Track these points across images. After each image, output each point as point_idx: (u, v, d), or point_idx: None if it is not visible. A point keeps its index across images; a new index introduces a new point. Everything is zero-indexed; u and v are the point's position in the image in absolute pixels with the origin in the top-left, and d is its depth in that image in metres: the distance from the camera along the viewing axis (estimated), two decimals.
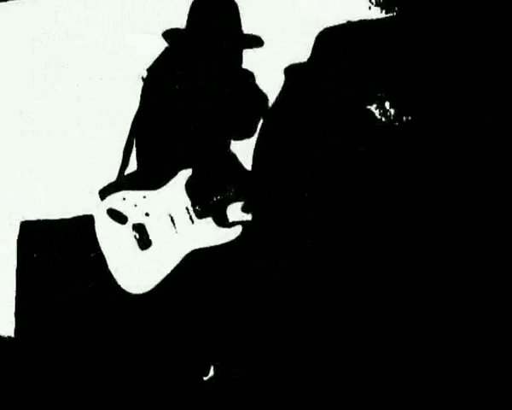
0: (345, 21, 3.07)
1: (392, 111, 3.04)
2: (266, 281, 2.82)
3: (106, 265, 2.80)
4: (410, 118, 3.00)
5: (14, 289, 3.13)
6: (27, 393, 2.94)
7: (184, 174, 2.82)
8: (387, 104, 3.02)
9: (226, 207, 2.78)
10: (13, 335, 3.06)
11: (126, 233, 2.75)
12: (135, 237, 2.75)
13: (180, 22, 3.36)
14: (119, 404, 2.85)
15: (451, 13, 3.05)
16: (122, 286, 2.71)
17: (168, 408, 2.81)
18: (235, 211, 2.81)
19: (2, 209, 3.43)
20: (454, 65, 3.01)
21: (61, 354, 2.93)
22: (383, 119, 3.02)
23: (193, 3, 3.18)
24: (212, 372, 2.79)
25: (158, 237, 2.74)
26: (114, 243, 2.74)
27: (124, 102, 3.35)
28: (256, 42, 3.11)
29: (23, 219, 3.19)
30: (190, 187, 2.76)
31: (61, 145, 3.45)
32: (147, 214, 2.78)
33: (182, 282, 2.85)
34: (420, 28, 3.07)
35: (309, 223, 2.85)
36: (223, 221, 2.77)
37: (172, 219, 2.77)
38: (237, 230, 2.74)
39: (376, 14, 3.27)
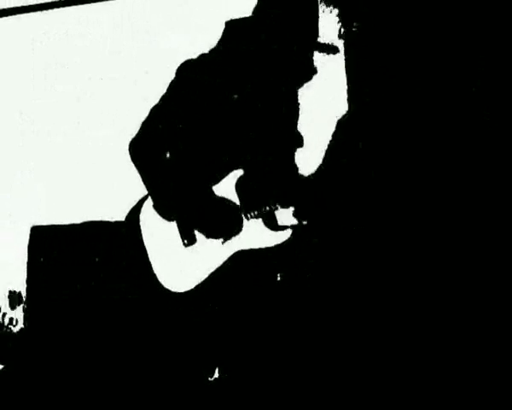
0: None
1: (391, 110, 3.05)
2: (272, 283, 2.84)
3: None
4: (408, 119, 3.01)
5: (20, 290, 3.15)
6: (39, 389, 2.97)
7: (236, 174, 2.61)
8: (386, 104, 3.03)
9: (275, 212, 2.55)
10: (23, 335, 3.09)
11: (171, 229, 2.54)
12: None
13: (178, 22, 3.37)
14: (124, 404, 2.87)
15: (449, 13, 3.07)
16: (163, 284, 2.54)
17: (172, 408, 2.83)
18: (286, 216, 2.61)
19: (2, 210, 3.43)
20: (452, 65, 3.02)
21: (70, 355, 2.96)
22: (382, 117, 3.03)
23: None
24: (216, 374, 2.81)
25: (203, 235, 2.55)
26: (158, 238, 2.53)
27: (124, 102, 3.36)
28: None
29: (20, 220, 3.21)
30: (241, 188, 2.56)
31: (61, 145, 3.45)
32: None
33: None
34: (418, 28, 3.08)
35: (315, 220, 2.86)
36: (272, 224, 2.57)
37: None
38: (287, 233, 2.57)
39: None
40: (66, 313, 2.99)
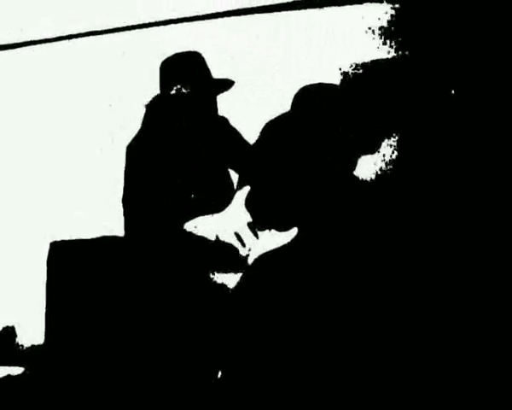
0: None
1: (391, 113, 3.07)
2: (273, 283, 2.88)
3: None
4: (409, 120, 3.02)
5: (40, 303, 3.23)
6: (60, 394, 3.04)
7: (243, 193, 2.90)
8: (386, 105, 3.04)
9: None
10: (42, 342, 3.16)
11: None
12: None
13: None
14: (129, 405, 2.93)
15: (450, 15, 3.08)
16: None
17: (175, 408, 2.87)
18: None
19: (22, 226, 3.51)
20: (452, 67, 3.02)
21: (87, 364, 3.03)
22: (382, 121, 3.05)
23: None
24: (216, 373, 2.85)
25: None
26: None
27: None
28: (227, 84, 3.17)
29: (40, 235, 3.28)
30: (250, 204, 2.73)
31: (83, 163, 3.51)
32: (217, 237, 2.94)
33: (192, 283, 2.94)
34: (420, 31, 3.10)
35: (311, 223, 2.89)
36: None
37: (240, 237, 2.91)
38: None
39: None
40: (84, 326, 3.05)
